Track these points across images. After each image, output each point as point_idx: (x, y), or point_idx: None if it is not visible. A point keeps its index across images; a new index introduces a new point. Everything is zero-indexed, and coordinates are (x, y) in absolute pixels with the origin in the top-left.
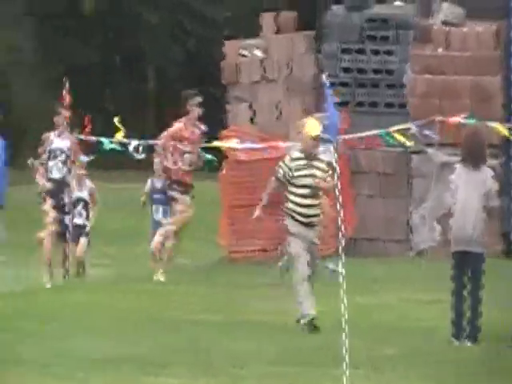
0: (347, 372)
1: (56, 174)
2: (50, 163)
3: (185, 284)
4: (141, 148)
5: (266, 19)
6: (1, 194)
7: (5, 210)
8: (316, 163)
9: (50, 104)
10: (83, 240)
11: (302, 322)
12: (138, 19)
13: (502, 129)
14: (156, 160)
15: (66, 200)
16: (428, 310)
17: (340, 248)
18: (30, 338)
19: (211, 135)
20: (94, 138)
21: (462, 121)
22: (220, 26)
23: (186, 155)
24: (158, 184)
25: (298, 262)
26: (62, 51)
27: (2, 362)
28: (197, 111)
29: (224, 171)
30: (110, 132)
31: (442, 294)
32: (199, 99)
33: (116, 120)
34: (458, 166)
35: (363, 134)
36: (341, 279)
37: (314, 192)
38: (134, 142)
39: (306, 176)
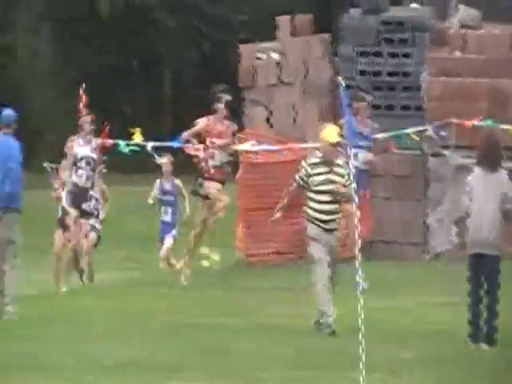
0: (364, 375)
1: (86, 183)
2: (80, 171)
3: (201, 287)
4: (156, 155)
5: (282, 22)
6: (18, 198)
7: (20, 214)
8: (335, 169)
9: (67, 107)
10: (92, 235)
11: (322, 324)
12: (154, 23)
13: None
14: (165, 161)
15: (91, 206)
16: (445, 313)
17: (356, 250)
18: (41, 341)
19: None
20: (110, 141)
21: (478, 123)
22: (236, 30)
23: (216, 151)
24: (167, 186)
25: (319, 266)
26: (80, 55)
27: (13, 365)
28: (224, 109)
29: (239, 174)
30: (127, 135)
31: (459, 297)
32: (227, 97)
33: (136, 133)
34: (474, 168)
35: (380, 135)
36: (358, 283)
37: (334, 198)
38: (151, 144)
39: (324, 182)
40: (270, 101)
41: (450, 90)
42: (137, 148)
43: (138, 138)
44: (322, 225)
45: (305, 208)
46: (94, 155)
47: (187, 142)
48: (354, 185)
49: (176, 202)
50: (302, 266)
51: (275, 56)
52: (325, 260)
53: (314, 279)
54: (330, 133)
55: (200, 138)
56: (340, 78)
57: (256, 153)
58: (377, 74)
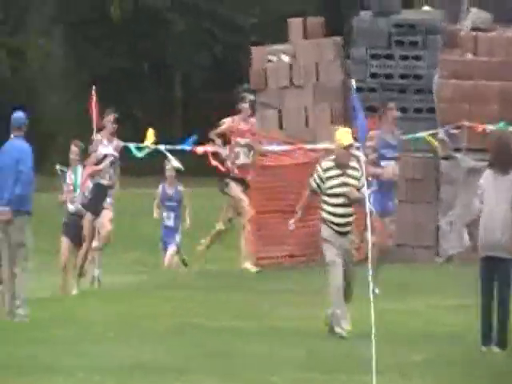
0: (375, 378)
1: (109, 180)
2: (105, 169)
3: (212, 290)
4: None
5: (294, 25)
6: (29, 200)
7: (31, 216)
8: (349, 171)
9: (79, 110)
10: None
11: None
12: (165, 26)
13: None
14: (168, 167)
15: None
16: (456, 316)
17: (369, 253)
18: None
19: None
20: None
21: (489, 126)
22: (247, 33)
23: (238, 149)
24: (170, 191)
25: (333, 268)
26: (91, 58)
27: (24, 367)
28: (248, 108)
29: (250, 177)
30: (138, 138)
31: (470, 300)
32: (251, 97)
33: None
34: (486, 170)
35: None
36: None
37: (348, 201)
38: (161, 147)
39: (338, 185)
40: (282, 103)
41: (462, 93)
42: (148, 150)
43: (150, 139)
44: (335, 227)
45: (320, 211)
46: (116, 153)
47: (211, 140)
48: (365, 188)
49: (179, 207)
50: (313, 269)
51: (286, 58)
52: (338, 262)
53: (329, 280)
54: (344, 135)
55: (225, 137)
56: (353, 80)
57: (267, 155)
58: (388, 76)
